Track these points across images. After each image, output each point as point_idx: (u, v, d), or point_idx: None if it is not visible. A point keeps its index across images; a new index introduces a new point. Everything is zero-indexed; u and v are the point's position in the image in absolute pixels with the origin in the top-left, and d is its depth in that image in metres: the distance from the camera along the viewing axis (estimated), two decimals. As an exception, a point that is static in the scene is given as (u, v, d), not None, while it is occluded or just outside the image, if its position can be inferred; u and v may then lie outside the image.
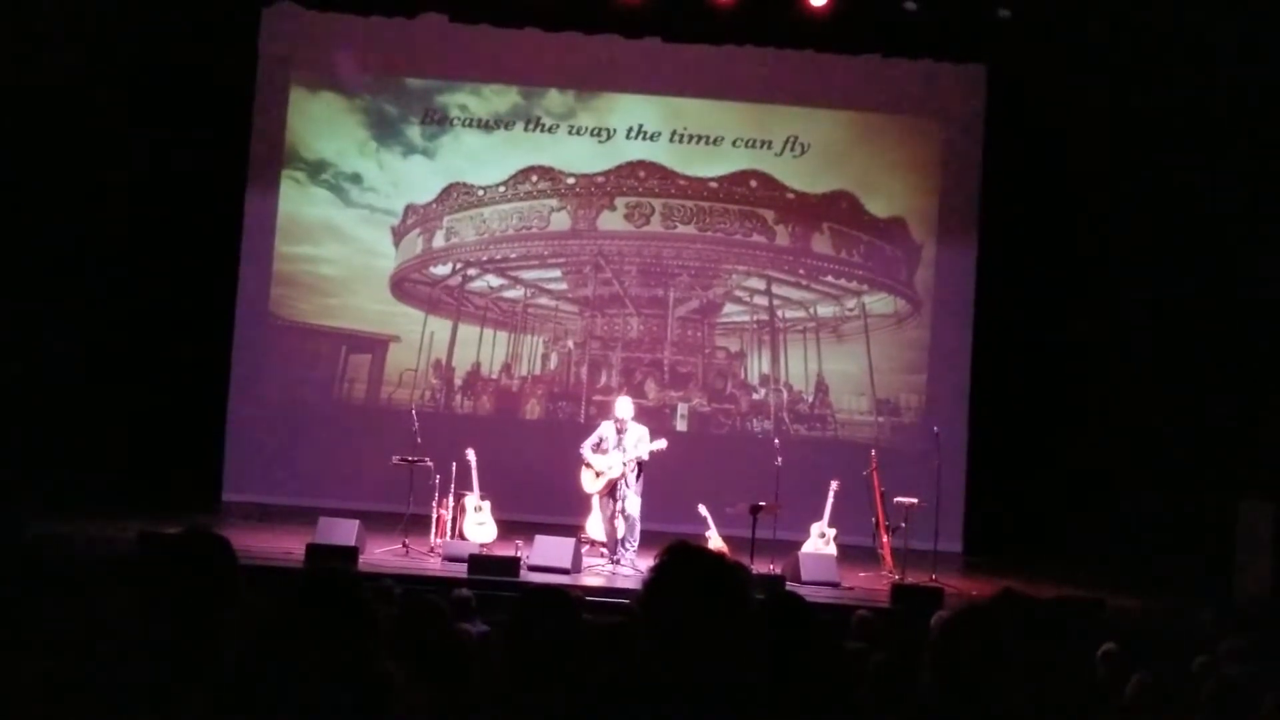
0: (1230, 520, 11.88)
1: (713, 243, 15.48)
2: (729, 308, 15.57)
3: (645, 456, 11.36)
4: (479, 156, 15.48)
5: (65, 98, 13.18)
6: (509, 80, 15.42)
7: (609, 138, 15.45)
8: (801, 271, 15.54)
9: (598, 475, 11.42)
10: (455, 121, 15.45)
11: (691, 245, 15.49)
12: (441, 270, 15.48)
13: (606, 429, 11.53)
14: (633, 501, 11.31)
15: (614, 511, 11.34)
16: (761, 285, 15.54)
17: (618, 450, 11.34)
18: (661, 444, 11.39)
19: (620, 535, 11.32)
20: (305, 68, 15.24)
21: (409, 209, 15.41)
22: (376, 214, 15.38)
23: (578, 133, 15.48)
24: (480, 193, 15.46)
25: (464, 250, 15.48)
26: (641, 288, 15.50)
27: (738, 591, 2.60)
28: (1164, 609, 11.10)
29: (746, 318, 15.60)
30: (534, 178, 15.45)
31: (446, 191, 15.43)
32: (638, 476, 11.37)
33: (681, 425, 15.18)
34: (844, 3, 13.73)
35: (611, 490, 11.36)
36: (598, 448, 11.48)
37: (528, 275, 15.54)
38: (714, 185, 15.46)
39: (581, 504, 11.89)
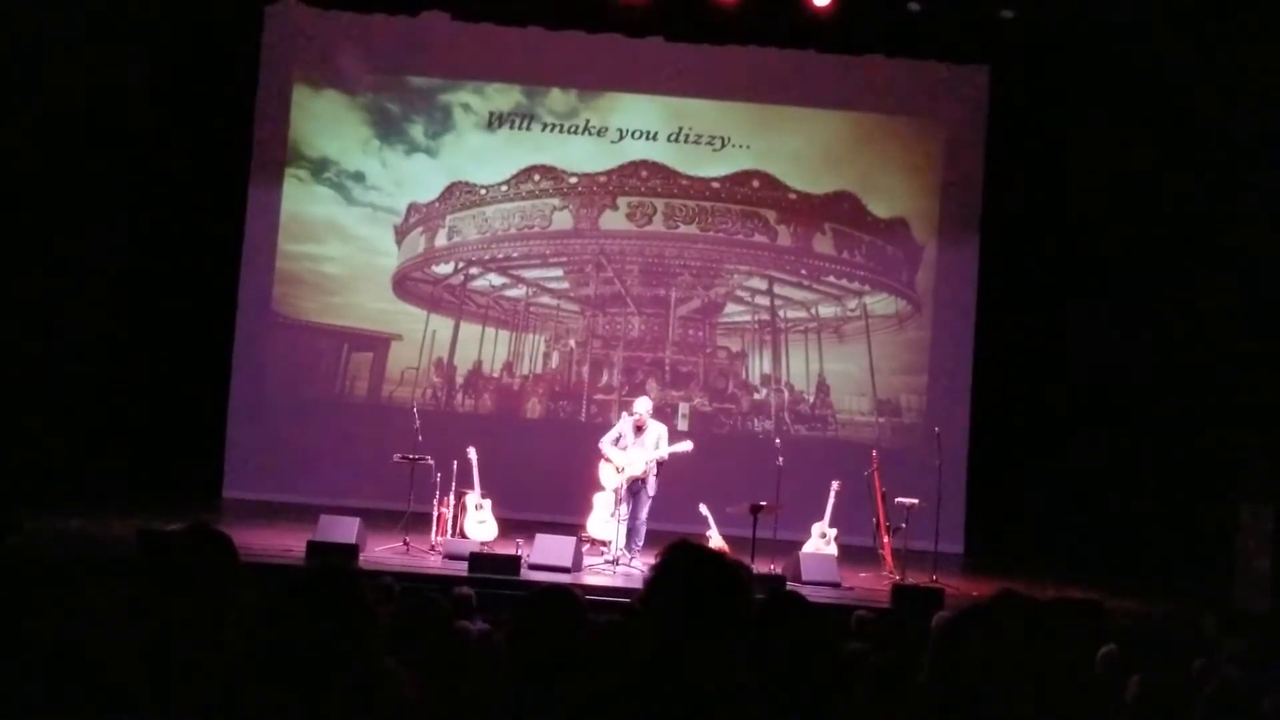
0: (1231, 522, 11.87)
1: (714, 242, 15.49)
2: (730, 307, 15.58)
3: (665, 456, 11.36)
4: (481, 155, 15.49)
5: (67, 96, 13.19)
6: (512, 79, 15.42)
7: (611, 137, 15.45)
8: (803, 272, 15.54)
9: (618, 470, 11.39)
10: (458, 120, 15.47)
11: (693, 245, 15.49)
12: (444, 269, 15.49)
13: (625, 425, 11.53)
14: (643, 503, 11.33)
15: (629, 509, 11.31)
16: (763, 285, 15.55)
17: (637, 447, 11.34)
18: (687, 446, 11.34)
19: (625, 536, 11.29)
20: (308, 66, 15.24)
21: (411, 207, 15.42)
22: (379, 212, 15.39)
23: (580, 132, 15.48)
24: (482, 191, 15.46)
25: (466, 249, 15.49)
26: (643, 287, 15.50)
27: (738, 590, 2.60)
28: (1164, 611, 11.10)
29: (748, 318, 15.60)
30: (536, 177, 15.46)
31: (449, 190, 15.44)
32: (655, 476, 11.38)
33: (683, 425, 15.17)
34: (847, 3, 13.73)
35: (630, 487, 11.34)
36: (617, 443, 11.48)
37: (530, 274, 15.55)
38: (716, 185, 15.46)
39: (583, 503, 11.89)
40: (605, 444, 11.51)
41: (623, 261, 15.50)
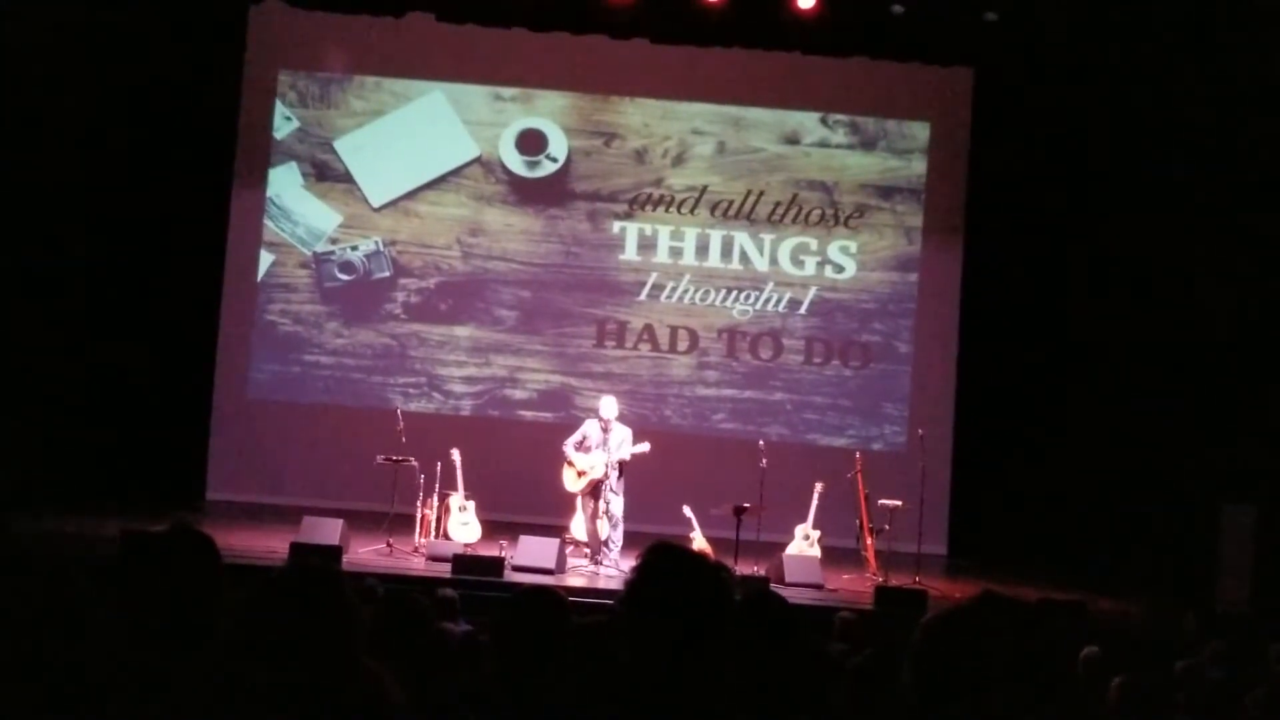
0: (1214, 523, 11.92)
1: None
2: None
3: (627, 458, 11.35)
4: (466, 156, 15.44)
5: (52, 95, 13.13)
6: (496, 80, 15.37)
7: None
8: (788, 273, 15.54)
9: (580, 475, 11.39)
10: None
11: (678, 246, 15.47)
12: (428, 270, 15.43)
13: (591, 427, 11.50)
14: (615, 502, 11.29)
15: (596, 512, 11.32)
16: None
17: (601, 450, 11.32)
18: (645, 447, 11.37)
19: (604, 536, 11.30)
20: (292, 66, 15.19)
21: (396, 208, 15.37)
22: (363, 213, 15.34)
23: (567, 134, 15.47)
24: (467, 192, 15.42)
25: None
26: (628, 288, 15.49)
27: (719, 591, 2.60)
28: (1147, 612, 11.14)
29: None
30: (521, 178, 15.42)
31: (434, 191, 15.39)
32: (619, 477, 11.36)
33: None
34: (831, 5, 13.72)
35: (594, 490, 11.34)
36: (580, 446, 11.44)
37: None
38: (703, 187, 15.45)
39: (566, 505, 11.87)
40: (569, 447, 11.50)
41: (607, 263, 15.48)
